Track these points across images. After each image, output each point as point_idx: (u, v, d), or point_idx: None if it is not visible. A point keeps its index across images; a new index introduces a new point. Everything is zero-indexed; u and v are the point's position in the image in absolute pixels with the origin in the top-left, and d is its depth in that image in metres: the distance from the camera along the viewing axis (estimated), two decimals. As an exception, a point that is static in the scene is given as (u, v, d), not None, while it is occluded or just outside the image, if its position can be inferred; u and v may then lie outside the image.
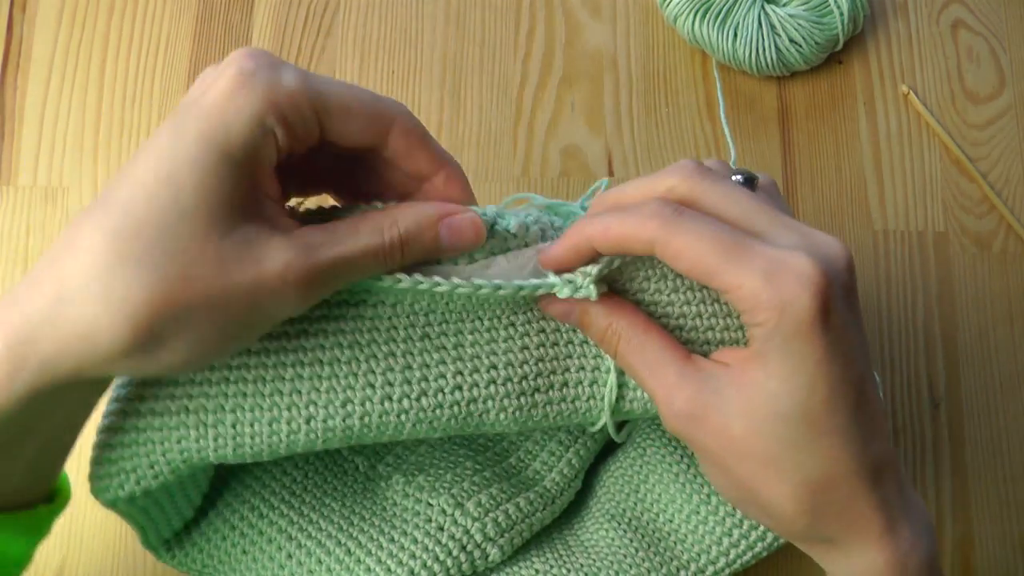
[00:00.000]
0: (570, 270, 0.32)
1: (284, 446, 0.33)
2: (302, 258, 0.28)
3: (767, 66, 0.51)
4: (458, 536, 0.38)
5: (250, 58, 0.28)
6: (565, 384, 0.34)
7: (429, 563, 0.38)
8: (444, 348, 0.33)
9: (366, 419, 0.32)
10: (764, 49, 0.51)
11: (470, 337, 0.33)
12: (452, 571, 0.38)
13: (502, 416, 0.34)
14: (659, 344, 0.31)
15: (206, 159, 0.27)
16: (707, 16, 0.51)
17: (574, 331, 0.35)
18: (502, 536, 0.39)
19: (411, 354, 0.33)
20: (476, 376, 0.33)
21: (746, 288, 0.28)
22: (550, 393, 0.34)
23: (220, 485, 0.40)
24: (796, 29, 0.51)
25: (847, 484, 0.29)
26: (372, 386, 0.32)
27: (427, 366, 0.33)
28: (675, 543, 0.39)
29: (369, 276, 0.31)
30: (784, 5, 0.51)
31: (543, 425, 0.35)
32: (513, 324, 0.34)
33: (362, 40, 0.54)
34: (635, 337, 0.31)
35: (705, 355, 0.32)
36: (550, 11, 0.55)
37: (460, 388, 0.33)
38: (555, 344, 0.34)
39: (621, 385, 0.35)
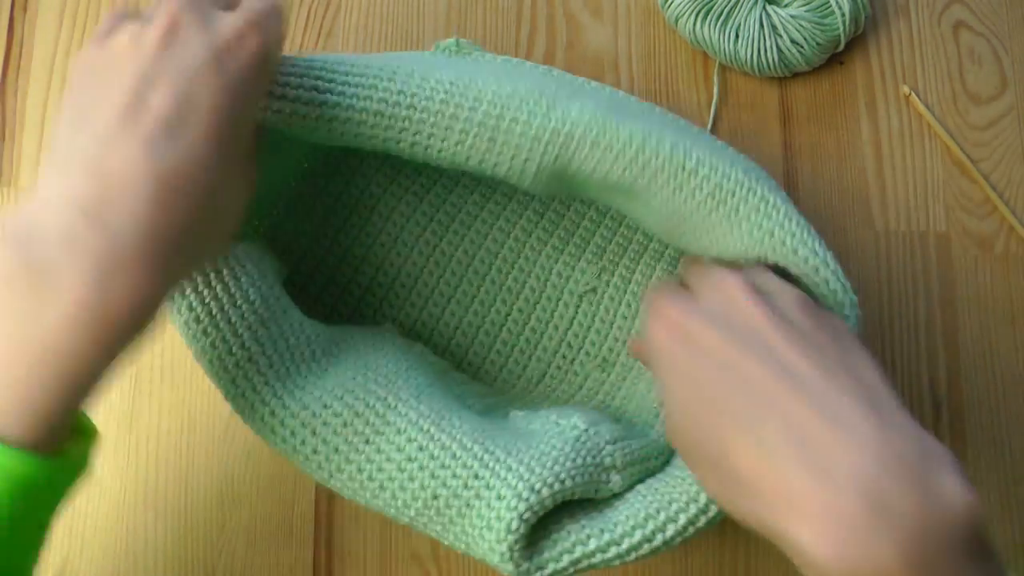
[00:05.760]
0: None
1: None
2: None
3: (769, 67, 0.51)
4: (590, 447, 0.38)
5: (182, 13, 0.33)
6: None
7: (562, 476, 0.36)
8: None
9: None
10: (766, 50, 0.51)
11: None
12: (579, 483, 0.37)
13: None
14: None
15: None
16: (708, 17, 0.51)
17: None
18: (625, 469, 0.38)
19: None
20: None
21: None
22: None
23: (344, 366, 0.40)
24: (798, 30, 0.51)
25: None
26: None
27: None
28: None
29: None
30: (786, 6, 0.51)
31: None
32: None
33: (363, 41, 0.54)
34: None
35: None
36: (551, 12, 0.54)
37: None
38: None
39: None
